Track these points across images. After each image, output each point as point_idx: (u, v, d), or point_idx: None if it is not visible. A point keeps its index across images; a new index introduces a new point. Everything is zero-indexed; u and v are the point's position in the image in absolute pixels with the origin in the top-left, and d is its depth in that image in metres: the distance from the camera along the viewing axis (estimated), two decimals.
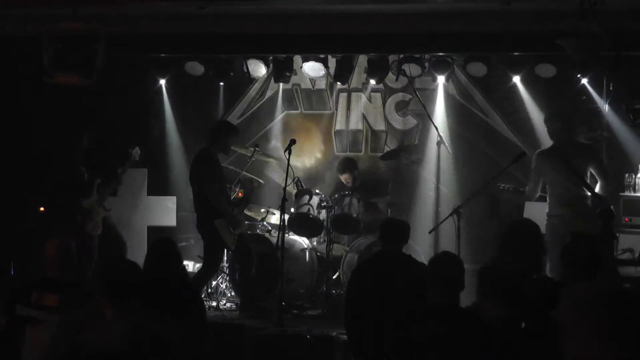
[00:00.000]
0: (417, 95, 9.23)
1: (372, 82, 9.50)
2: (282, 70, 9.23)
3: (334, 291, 8.50)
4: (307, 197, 8.65)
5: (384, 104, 10.18)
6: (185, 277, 5.09)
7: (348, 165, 9.35)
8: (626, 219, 8.15)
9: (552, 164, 7.51)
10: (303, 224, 8.75)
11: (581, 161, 7.42)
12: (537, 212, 8.70)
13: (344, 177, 9.31)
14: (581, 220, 7.20)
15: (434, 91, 9.88)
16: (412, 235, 8.83)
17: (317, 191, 8.79)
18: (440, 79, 9.37)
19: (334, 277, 8.61)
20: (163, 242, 5.13)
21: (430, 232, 8.56)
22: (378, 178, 9.67)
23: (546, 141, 9.68)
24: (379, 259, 5.81)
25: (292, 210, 8.68)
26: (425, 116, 9.35)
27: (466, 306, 4.60)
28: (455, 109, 9.96)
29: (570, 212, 7.39)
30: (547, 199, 7.64)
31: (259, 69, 9.24)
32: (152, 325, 3.61)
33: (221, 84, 9.79)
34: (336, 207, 8.58)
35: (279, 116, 10.36)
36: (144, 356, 3.45)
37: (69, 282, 5.01)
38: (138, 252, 8.05)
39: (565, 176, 7.40)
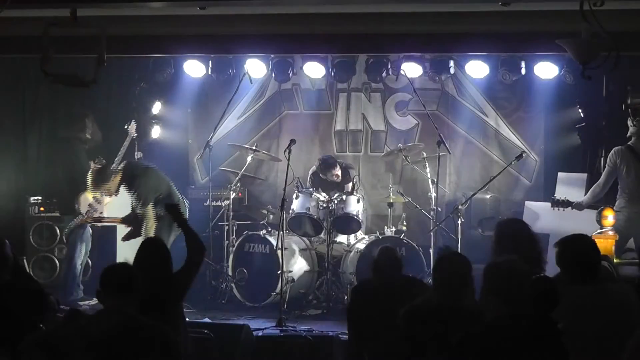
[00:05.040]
0: (417, 95, 9.25)
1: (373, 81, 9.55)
2: (282, 70, 9.25)
3: (333, 292, 8.50)
4: (308, 196, 8.66)
5: (383, 104, 10.18)
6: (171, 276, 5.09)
7: (331, 160, 9.12)
8: None
9: (628, 161, 7.65)
10: (303, 224, 8.77)
11: None
12: (539, 211, 8.73)
13: (334, 174, 9.06)
14: None
15: (434, 91, 9.90)
16: (412, 234, 8.95)
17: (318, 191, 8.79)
18: (440, 79, 9.39)
19: (333, 277, 8.61)
20: (151, 240, 5.20)
21: (430, 232, 8.59)
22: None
23: (545, 141, 9.76)
24: (378, 281, 5.51)
25: (293, 209, 8.68)
26: (425, 116, 9.36)
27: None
28: (455, 108, 9.98)
29: (638, 210, 7.53)
30: (618, 193, 7.80)
31: (259, 69, 9.26)
32: (142, 318, 3.92)
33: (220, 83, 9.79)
34: (336, 207, 8.57)
35: (279, 116, 10.37)
36: (132, 345, 3.78)
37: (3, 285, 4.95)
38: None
39: (636, 174, 7.52)
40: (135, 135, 8.90)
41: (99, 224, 8.66)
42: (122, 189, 8.08)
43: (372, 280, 5.61)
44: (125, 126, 8.79)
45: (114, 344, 3.76)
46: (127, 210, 8.24)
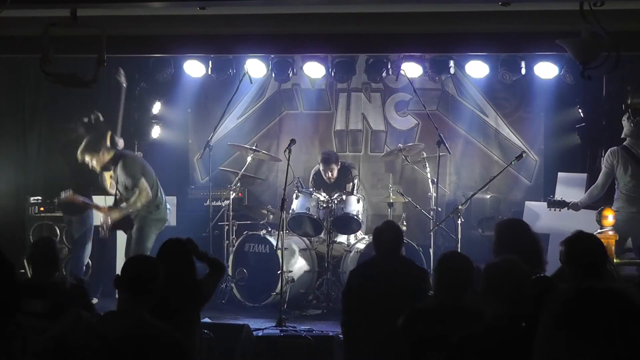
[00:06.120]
0: (417, 95, 9.25)
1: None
2: (282, 70, 9.25)
3: (333, 292, 8.50)
4: (308, 196, 8.66)
5: (383, 104, 10.19)
6: (196, 282, 5.08)
7: (333, 156, 9.14)
8: None
9: (625, 162, 7.65)
10: (303, 224, 8.77)
11: None
12: (539, 211, 8.73)
13: (330, 168, 9.02)
14: None
15: (434, 91, 9.91)
16: (412, 234, 8.95)
17: (318, 191, 8.79)
18: (440, 79, 9.39)
19: (333, 277, 8.61)
20: (174, 241, 5.18)
21: (430, 232, 8.59)
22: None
23: (545, 141, 9.77)
24: (378, 266, 5.58)
25: (293, 209, 8.68)
26: (425, 116, 9.36)
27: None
28: (455, 108, 9.99)
29: (636, 210, 7.55)
30: (615, 194, 7.79)
31: (259, 69, 9.26)
32: (155, 321, 3.87)
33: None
34: (336, 207, 8.57)
35: (279, 116, 10.37)
36: (143, 348, 3.73)
37: (54, 284, 4.95)
38: None
39: (633, 174, 7.53)
40: (125, 85, 8.79)
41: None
42: (105, 174, 8.08)
43: (371, 264, 5.67)
44: (117, 77, 8.74)
45: (126, 346, 3.74)
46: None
